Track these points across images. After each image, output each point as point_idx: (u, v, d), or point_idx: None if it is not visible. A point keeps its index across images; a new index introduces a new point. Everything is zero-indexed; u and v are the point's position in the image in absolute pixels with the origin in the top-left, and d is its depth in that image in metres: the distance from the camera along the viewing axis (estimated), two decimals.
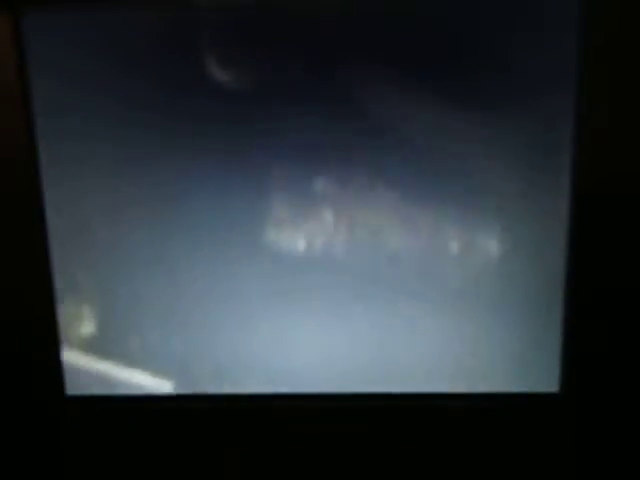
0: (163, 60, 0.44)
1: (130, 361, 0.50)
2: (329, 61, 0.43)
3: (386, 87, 0.44)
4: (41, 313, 0.48)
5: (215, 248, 0.47)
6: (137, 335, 0.49)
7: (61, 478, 0.52)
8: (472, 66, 0.43)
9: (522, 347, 0.47)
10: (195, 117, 0.45)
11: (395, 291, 0.47)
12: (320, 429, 0.49)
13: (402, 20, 0.42)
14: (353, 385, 0.49)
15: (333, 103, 0.44)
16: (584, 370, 0.47)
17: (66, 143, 0.46)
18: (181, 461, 0.51)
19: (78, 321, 0.49)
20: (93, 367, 0.50)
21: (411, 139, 0.45)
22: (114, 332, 0.49)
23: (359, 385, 0.49)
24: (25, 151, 0.45)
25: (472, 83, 0.43)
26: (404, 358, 0.48)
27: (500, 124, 0.44)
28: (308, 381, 0.49)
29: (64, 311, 0.49)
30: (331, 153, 0.45)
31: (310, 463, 0.50)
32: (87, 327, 0.49)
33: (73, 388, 0.50)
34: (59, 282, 0.48)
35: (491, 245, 0.46)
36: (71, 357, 0.50)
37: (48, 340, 0.49)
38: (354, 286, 0.47)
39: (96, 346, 0.50)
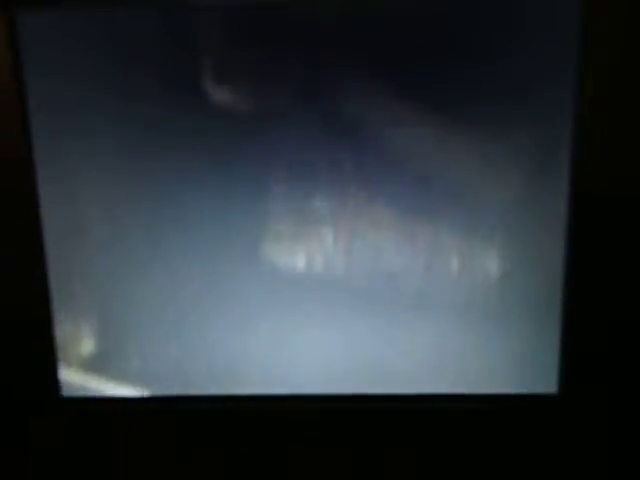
0: (159, 59, 0.44)
1: (127, 370, 0.50)
2: (327, 78, 0.43)
3: (384, 103, 0.44)
4: (36, 315, 0.48)
5: (214, 263, 0.47)
6: (134, 342, 0.49)
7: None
8: (471, 77, 0.43)
9: (521, 348, 0.47)
10: (192, 133, 0.45)
11: (395, 300, 0.47)
12: (320, 431, 0.49)
13: (399, 37, 0.42)
14: (352, 387, 0.49)
15: (332, 119, 0.44)
16: (583, 371, 0.47)
17: (62, 143, 0.46)
18: (178, 463, 0.51)
19: (74, 328, 0.49)
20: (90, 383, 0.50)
21: (410, 155, 0.45)
22: (112, 342, 0.49)
23: (358, 386, 0.49)
24: (20, 151, 0.45)
25: (471, 95, 0.43)
26: (403, 360, 0.48)
27: (498, 138, 0.44)
28: (307, 382, 0.49)
29: (60, 319, 0.49)
30: (330, 169, 0.45)
31: (309, 465, 0.50)
32: (86, 344, 0.49)
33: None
34: (54, 283, 0.48)
35: (490, 249, 0.46)
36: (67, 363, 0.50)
37: (43, 341, 0.49)
38: (354, 297, 0.47)
39: (94, 362, 0.50)
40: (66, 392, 0.50)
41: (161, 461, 0.51)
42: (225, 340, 0.49)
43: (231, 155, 0.45)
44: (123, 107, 0.45)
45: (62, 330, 0.49)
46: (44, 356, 0.49)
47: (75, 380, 0.50)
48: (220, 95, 0.44)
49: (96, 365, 0.50)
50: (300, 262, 0.47)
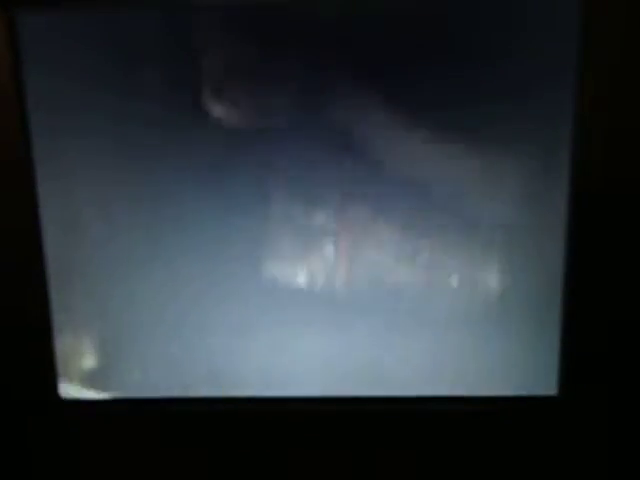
0: (158, 59, 0.44)
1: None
2: (329, 94, 0.43)
3: (385, 119, 0.44)
4: (35, 316, 0.48)
5: (215, 273, 0.47)
6: (133, 342, 0.49)
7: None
8: (471, 78, 0.43)
9: (521, 350, 0.47)
10: (191, 133, 0.45)
11: (395, 304, 0.47)
12: (319, 433, 0.49)
13: (399, 37, 0.42)
14: (352, 389, 0.49)
15: (333, 136, 0.44)
16: (582, 373, 0.47)
17: (61, 142, 0.46)
18: (178, 465, 0.51)
19: (73, 330, 0.49)
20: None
21: (409, 166, 0.45)
22: (111, 342, 0.49)
23: (357, 389, 0.49)
24: (19, 151, 0.45)
25: (470, 96, 0.43)
26: (403, 362, 0.48)
27: (498, 139, 0.44)
28: (306, 385, 0.49)
29: (59, 320, 0.49)
30: (331, 186, 0.45)
31: (309, 467, 0.50)
32: (87, 359, 0.50)
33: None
34: (53, 284, 0.48)
35: (490, 251, 0.46)
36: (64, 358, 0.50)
37: (41, 342, 0.49)
38: (354, 304, 0.47)
39: (93, 362, 0.50)
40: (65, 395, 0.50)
41: (160, 463, 0.51)
42: (225, 343, 0.48)
43: (231, 187, 0.45)
44: (122, 107, 0.45)
45: (61, 331, 0.49)
46: (42, 357, 0.49)
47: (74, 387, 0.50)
48: (219, 105, 0.44)
49: (95, 367, 0.50)
50: (301, 274, 0.47)
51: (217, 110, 0.44)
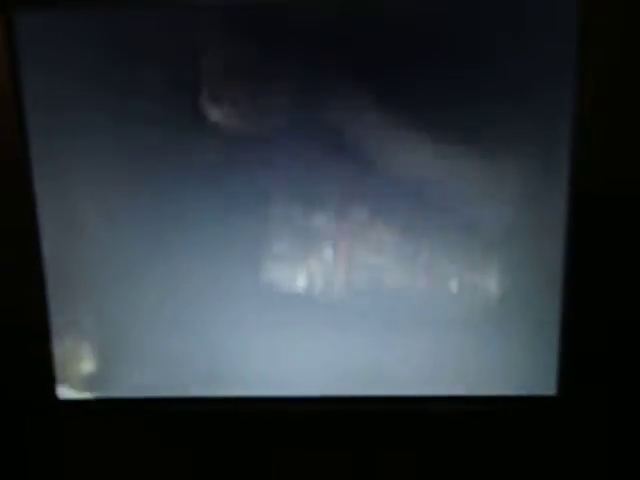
0: (156, 59, 0.44)
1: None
2: (328, 95, 0.43)
3: (384, 121, 0.44)
4: (33, 316, 0.48)
5: (214, 280, 0.47)
6: (132, 342, 0.49)
7: None
8: (470, 78, 0.43)
9: (520, 350, 0.47)
10: (191, 134, 0.45)
11: (396, 306, 0.47)
12: (319, 433, 0.49)
13: (399, 37, 0.42)
14: (352, 389, 0.49)
15: (332, 138, 0.44)
16: (581, 373, 0.47)
17: (59, 142, 0.46)
18: (176, 463, 0.51)
19: (71, 330, 0.49)
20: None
21: (409, 174, 0.45)
22: (110, 342, 0.49)
23: (358, 389, 0.48)
24: (17, 151, 0.45)
25: (470, 96, 0.43)
26: (403, 362, 0.48)
27: (498, 139, 0.44)
28: (305, 385, 0.49)
29: (57, 320, 0.49)
30: (331, 188, 0.45)
31: (309, 467, 0.50)
32: (85, 359, 0.49)
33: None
34: (52, 283, 0.48)
35: (490, 252, 0.46)
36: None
37: (39, 343, 0.49)
38: (354, 308, 0.47)
39: (92, 363, 0.50)
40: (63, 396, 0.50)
41: (159, 463, 0.50)
42: (224, 344, 0.48)
43: (230, 191, 0.46)
44: (120, 106, 0.45)
45: (59, 332, 0.49)
46: (40, 358, 0.49)
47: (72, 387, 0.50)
48: (218, 106, 0.44)
49: (93, 367, 0.50)
50: (300, 275, 0.47)
51: (216, 112, 0.44)
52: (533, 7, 0.42)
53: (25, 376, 0.49)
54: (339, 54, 0.43)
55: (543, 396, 0.48)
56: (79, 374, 0.50)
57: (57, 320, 0.48)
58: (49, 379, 0.49)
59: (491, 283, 0.46)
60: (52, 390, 0.49)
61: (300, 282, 0.47)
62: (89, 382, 0.50)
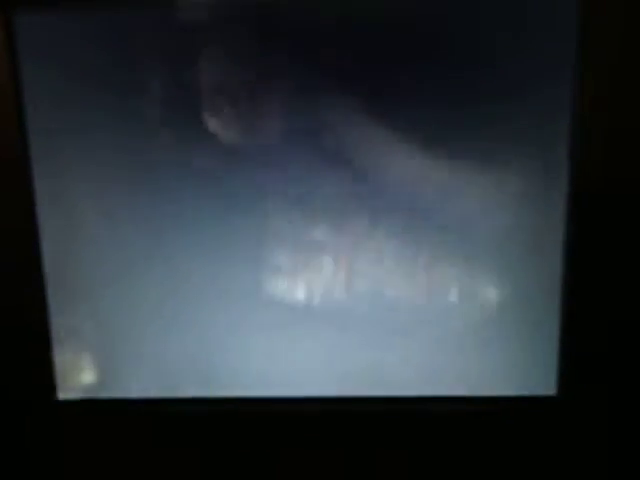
0: (156, 59, 0.44)
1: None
2: (327, 111, 0.44)
3: (382, 130, 0.44)
4: (32, 319, 0.48)
5: (214, 286, 0.47)
6: (131, 342, 0.49)
7: None
8: (470, 78, 0.43)
9: (520, 351, 0.47)
10: (191, 159, 0.45)
11: (396, 307, 0.47)
12: (319, 433, 0.49)
13: (399, 37, 0.42)
14: (352, 389, 0.49)
15: (331, 153, 0.44)
16: (581, 373, 0.47)
17: (59, 142, 0.46)
18: (175, 464, 0.50)
19: (71, 330, 0.49)
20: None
21: (407, 186, 0.45)
22: (109, 343, 0.49)
23: (358, 389, 0.48)
24: (17, 150, 0.45)
25: (470, 97, 0.43)
26: (403, 362, 0.48)
27: (498, 139, 0.44)
28: (305, 385, 0.49)
29: (56, 320, 0.49)
30: (330, 202, 0.45)
31: (309, 468, 0.50)
32: (84, 360, 0.50)
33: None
34: (51, 283, 0.48)
35: (489, 252, 0.46)
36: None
37: (39, 343, 0.49)
38: (354, 311, 0.47)
39: (91, 363, 0.50)
40: (63, 395, 0.50)
41: (158, 463, 0.50)
42: (224, 345, 0.49)
43: (231, 203, 0.46)
44: (120, 107, 0.45)
45: (58, 333, 0.49)
46: (40, 359, 0.49)
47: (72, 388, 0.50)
48: (217, 116, 0.44)
49: (93, 368, 0.50)
50: (299, 285, 0.47)
51: (214, 120, 0.44)
52: (533, 7, 0.42)
53: (25, 377, 0.49)
54: (338, 56, 0.43)
55: (543, 396, 0.48)
56: (79, 375, 0.50)
57: (57, 320, 0.48)
58: (49, 380, 0.49)
59: (491, 284, 0.46)
60: (52, 390, 0.49)
61: (300, 283, 0.47)
62: (89, 383, 0.50)
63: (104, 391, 0.50)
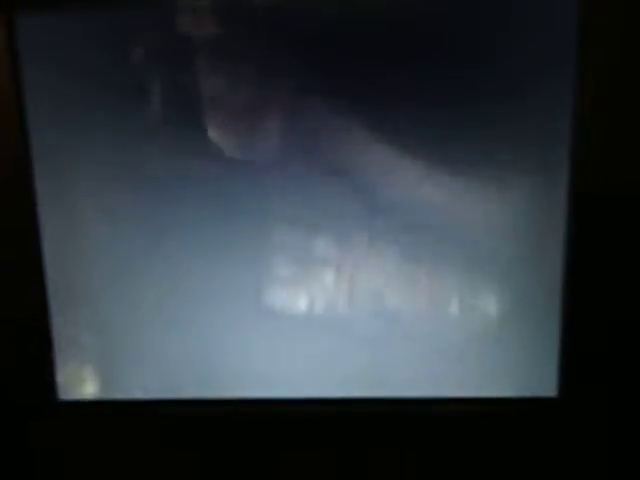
0: (158, 60, 0.44)
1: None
2: (326, 125, 0.44)
3: (383, 149, 0.44)
4: (33, 319, 0.48)
5: (215, 297, 0.48)
6: (132, 342, 0.49)
7: None
8: (470, 79, 0.43)
9: (521, 352, 0.47)
10: (192, 135, 0.45)
11: (396, 307, 0.47)
12: (319, 434, 0.49)
13: (399, 37, 0.42)
14: (352, 390, 0.48)
15: (332, 166, 0.44)
16: (582, 374, 0.46)
17: (60, 142, 0.46)
18: (175, 465, 0.50)
19: (72, 331, 0.49)
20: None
21: (407, 199, 0.45)
22: (109, 343, 0.49)
23: (358, 390, 0.48)
24: (18, 150, 0.46)
25: (469, 97, 0.43)
26: (403, 363, 0.48)
27: (498, 139, 0.44)
28: (305, 385, 0.49)
29: (57, 318, 0.49)
30: (331, 215, 0.45)
31: (310, 468, 0.50)
32: (85, 361, 0.50)
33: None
34: (52, 284, 0.48)
35: (489, 253, 0.46)
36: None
37: (41, 344, 0.49)
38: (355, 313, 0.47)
39: (91, 363, 0.50)
40: (64, 396, 0.50)
41: (158, 464, 0.50)
42: (224, 346, 0.49)
43: (232, 216, 0.46)
44: (121, 107, 0.45)
45: (59, 333, 0.49)
46: (42, 360, 0.49)
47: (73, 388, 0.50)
48: (218, 129, 0.44)
49: (93, 369, 0.50)
50: (301, 299, 0.47)
51: (215, 123, 0.44)
52: (533, 7, 0.42)
53: (26, 377, 0.49)
54: (338, 58, 0.43)
55: (544, 398, 0.47)
56: (80, 376, 0.50)
57: (57, 321, 0.49)
58: (50, 380, 0.49)
59: (492, 285, 0.46)
60: (53, 391, 0.50)
61: (301, 292, 0.47)
62: (90, 384, 0.50)
63: (105, 392, 0.50)
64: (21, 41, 0.44)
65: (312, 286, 0.47)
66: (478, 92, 0.43)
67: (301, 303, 0.47)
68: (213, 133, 0.44)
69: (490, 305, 0.47)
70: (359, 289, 0.47)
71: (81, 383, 0.50)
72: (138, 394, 0.50)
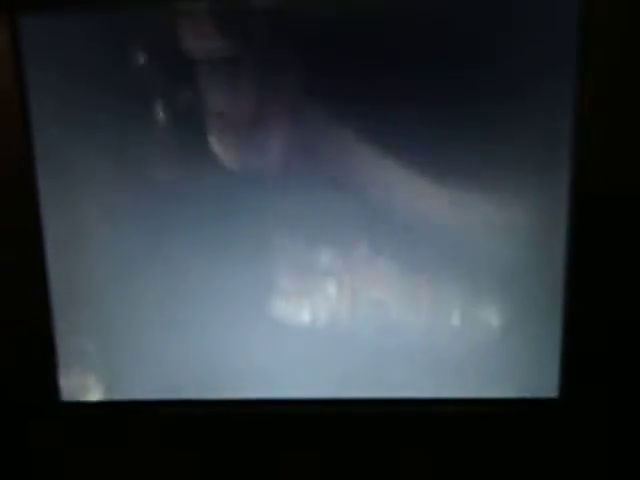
0: (161, 62, 0.44)
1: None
2: (327, 130, 0.44)
3: (386, 160, 0.44)
4: (35, 320, 0.48)
5: (215, 298, 0.48)
6: (133, 340, 0.49)
7: None
8: (470, 79, 0.43)
9: (522, 353, 0.47)
10: (193, 137, 0.45)
11: (397, 307, 0.47)
12: (319, 435, 0.49)
13: (398, 37, 0.43)
14: (352, 390, 0.48)
15: (334, 177, 0.45)
16: (583, 375, 0.46)
17: (64, 143, 0.46)
18: (176, 466, 0.50)
19: (74, 333, 0.49)
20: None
21: (410, 210, 0.45)
22: (109, 343, 0.49)
23: (358, 390, 0.48)
24: (22, 150, 0.46)
25: (469, 97, 0.43)
26: (404, 363, 0.48)
27: (498, 140, 0.44)
28: (305, 386, 0.49)
29: (58, 319, 0.49)
30: (333, 226, 0.46)
31: (310, 469, 0.50)
32: (86, 361, 0.50)
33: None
34: (55, 287, 0.48)
35: (490, 253, 0.46)
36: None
37: (42, 344, 0.49)
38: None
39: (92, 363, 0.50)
40: (65, 396, 0.50)
41: (159, 465, 0.50)
42: (223, 346, 0.49)
43: (233, 228, 0.46)
44: (123, 108, 0.45)
45: (61, 334, 0.49)
46: (43, 361, 0.49)
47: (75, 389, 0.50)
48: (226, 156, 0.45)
49: (94, 370, 0.50)
50: (304, 307, 0.47)
51: (216, 125, 0.45)
52: (533, 7, 0.42)
53: (27, 378, 0.49)
54: (338, 59, 0.43)
55: (545, 399, 0.47)
56: (81, 377, 0.50)
57: (59, 321, 0.49)
58: (52, 381, 0.49)
59: (493, 285, 0.46)
60: (54, 392, 0.50)
61: (303, 300, 0.47)
62: (90, 384, 0.50)
63: (105, 392, 0.50)
64: (24, 42, 0.44)
65: (313, 289, 0.47)
66: (478, 92, 0.43)
67: (301, 304, 0.47)
68: (214, 139, 0.45)
69: (491, 306, 0.46)
70: (359, 294, 0.47)
71: (82, 383, 0.50)
72: (138, 394, 0.50)
